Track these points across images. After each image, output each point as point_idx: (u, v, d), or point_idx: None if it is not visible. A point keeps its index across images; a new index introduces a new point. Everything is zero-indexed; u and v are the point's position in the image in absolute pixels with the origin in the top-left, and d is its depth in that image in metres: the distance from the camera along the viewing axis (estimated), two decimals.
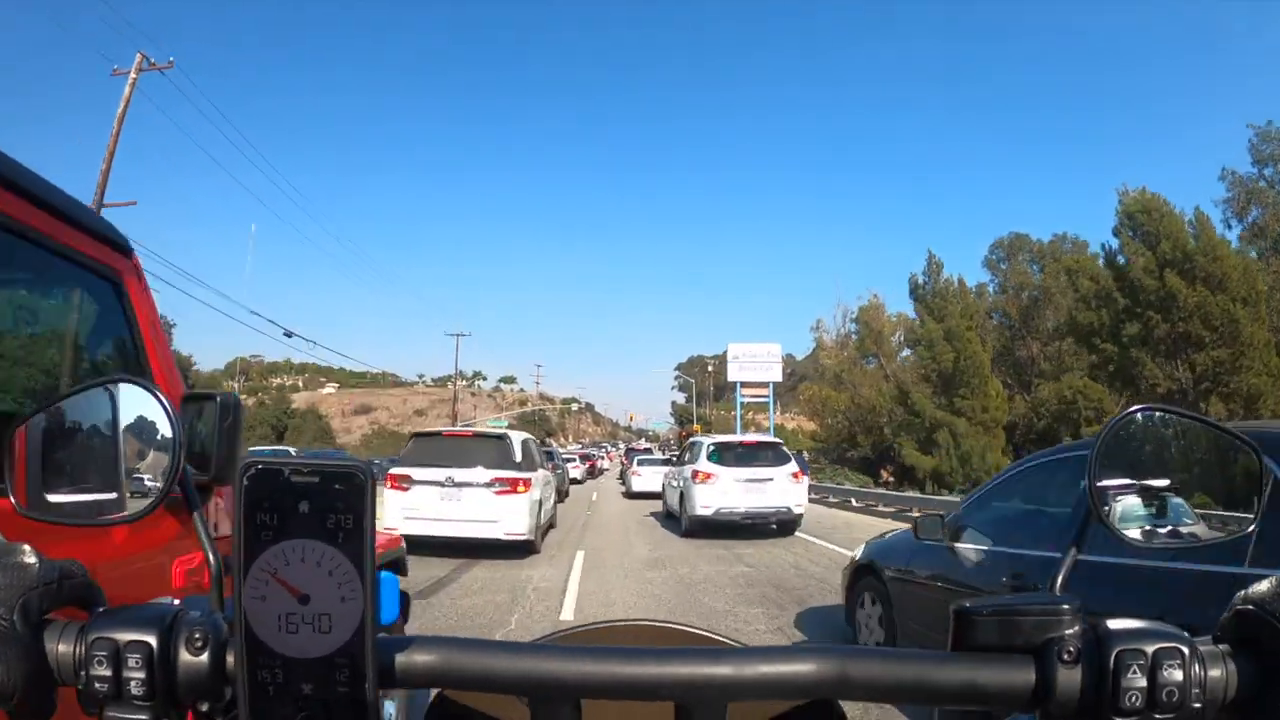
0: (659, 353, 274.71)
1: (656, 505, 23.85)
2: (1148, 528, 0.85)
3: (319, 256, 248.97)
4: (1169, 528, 0.86)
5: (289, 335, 39.21)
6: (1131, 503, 0.85)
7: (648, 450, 61.19)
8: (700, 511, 15.87)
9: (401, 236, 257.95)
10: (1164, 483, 0.86)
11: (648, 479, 29.05)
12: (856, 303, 58.56)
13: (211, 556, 0.74)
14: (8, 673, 0.61)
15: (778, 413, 72.29)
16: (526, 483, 12.36)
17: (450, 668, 0.68)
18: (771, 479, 16.05)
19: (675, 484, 18.43)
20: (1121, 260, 30.15)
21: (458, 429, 17.38)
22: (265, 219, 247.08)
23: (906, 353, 48.80)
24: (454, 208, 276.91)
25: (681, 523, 16.88)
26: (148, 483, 0.86)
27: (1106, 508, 0.81)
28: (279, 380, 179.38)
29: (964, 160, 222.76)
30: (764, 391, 73.39)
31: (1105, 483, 0.82)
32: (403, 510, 11.98)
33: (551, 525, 16.52)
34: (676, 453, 28.26)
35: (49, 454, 0.99)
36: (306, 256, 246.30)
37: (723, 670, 0.68)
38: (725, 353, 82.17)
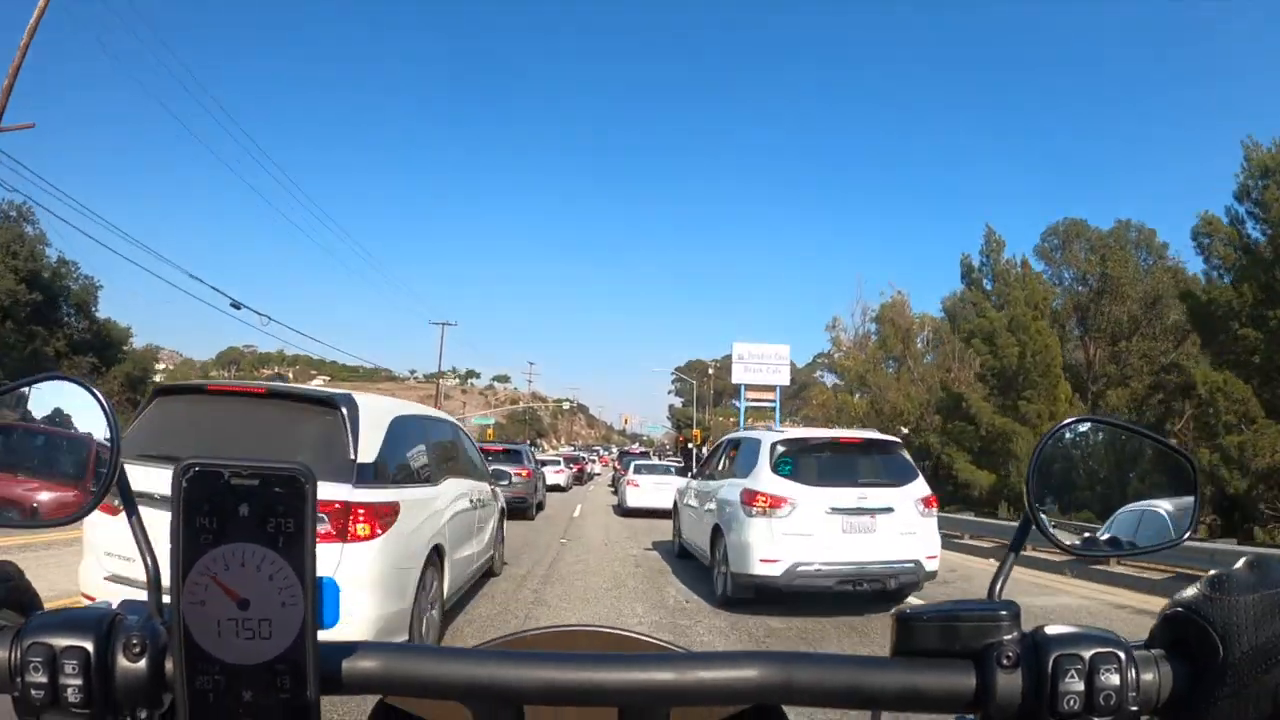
0: (656, 357, 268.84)
1: (660, 529, 17.83)
2: (1085, 535, 0.85)
3: (312, 248, 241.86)
4: (1107, 535, 0.87)
5: (236, 307, 32.79)
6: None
7: (645, 454, 54.36)
8: (763, 570, 8.26)
9: (398, 232, 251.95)
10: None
11: (649, 492, 23.10)
12: (880, 298, 52.00)
13: (148, 559, 0.69)
14: None
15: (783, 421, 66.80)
16: (374, 515, 5.07)
17: (393, 674, 0.67)
18: (891, 509, 8.49)
19: (703, 509, 10.54)
20: (1255, 230, 23.54)
21: (224, 383, 7.34)
22: (259, 210, 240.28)
23: (929, 359, 44.18)
24: (451, 204, 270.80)
25: (717, 580, 9.19)
26: (82, 484, 0.80)
27: (1043, 515, 0.79)
28: (270, 371, 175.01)
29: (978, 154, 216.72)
30: (770, 396, 67.10)
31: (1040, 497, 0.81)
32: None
33: (491, 572, 10.03)
34: (679, 457, 22.71)
35: None
36: (299, 247, 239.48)
37: (664, 675, 0.68)
38: (730, 355, 75.81)
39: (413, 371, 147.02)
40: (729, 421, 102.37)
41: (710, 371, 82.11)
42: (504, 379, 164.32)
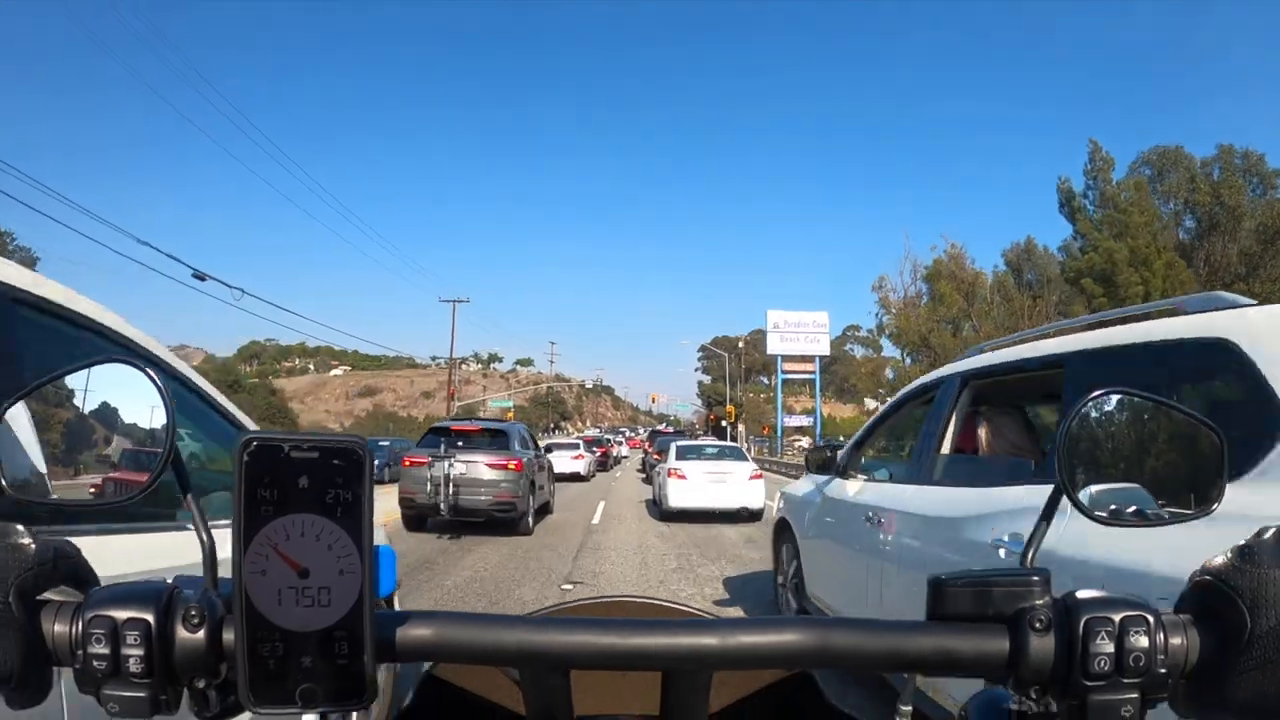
0: (683, 334, 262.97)
1: (724, 543, 12.73)
2: (1114, 506, 0.84)
3: (335, 239, 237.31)
4: (1134, 507, 0.85)
5: (200, 278, 27.25)
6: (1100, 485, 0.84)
7: (681, 434, 47.64)
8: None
9: (418, 218, 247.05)
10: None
11: (702, 487, 16.09)
12: (931, 254, 45.97)
13: (205, 535, 0.71)
14: (5, 655, 0.61)
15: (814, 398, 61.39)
16: None
17: (445, 641, 0.69)
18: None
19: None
20: None
21: None
22: (279, 204, 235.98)
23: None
24: (472, 185, 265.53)
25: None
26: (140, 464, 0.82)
27: (1075, 485, 0.79)
28: (290, 364, 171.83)
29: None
30: (809, 368, 61.42)
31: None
32: None
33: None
34: (712, 436, 18.77)
35: (37, 437, 0.94)
36: (321, 237, 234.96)
37: (708, 640, 0.69)
38: (759, 329, 70.03)
39: (434, 358, 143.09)
40: (761, 398, 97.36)
41: (741, 345, 76.26)
42: (527, 362, 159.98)
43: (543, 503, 15.42)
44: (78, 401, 0.87)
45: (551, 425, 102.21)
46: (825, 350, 60.48)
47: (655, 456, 27.76)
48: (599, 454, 37.49)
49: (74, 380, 0.83)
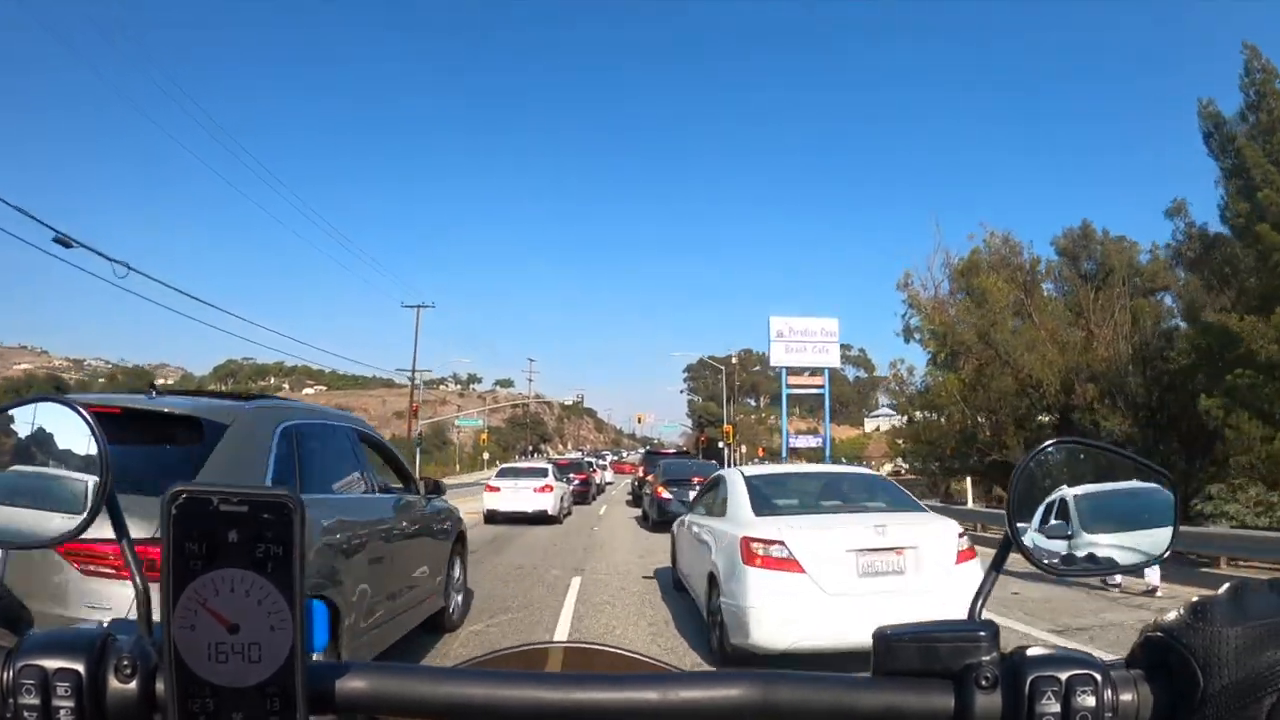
0: (667, 353, 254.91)
1: None
2: (1064, 554, 0.85)
3: (309, 250, 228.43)
4: (1086, 553, 0.86)
5: (65, 244, 19.74)
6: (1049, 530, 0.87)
7: (684, 454, 37.78)
8: None
9: (400, 236, 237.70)
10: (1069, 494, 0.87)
11: (854, 596, 6.35)
12: (970, 242, 38.21)
13: (138, 580, 0.69)
14: None
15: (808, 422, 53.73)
16: None
17: (382, 694, 0.68)
18: None
19: None
20: None
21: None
22: (254, 220, 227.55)
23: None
24: (449, 203, 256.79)
25: None
26: (68, 510, 0.79)
27: (1024, 536, 0.81)
28: (264, 383, 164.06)
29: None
30: (817, 382, 53.58)
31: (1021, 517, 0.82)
32: None
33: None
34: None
35: None
36: (297, 252, 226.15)
37: (648, 695, 0.68)
38: (764, 338, 61.17)
39: (400, 370, 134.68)
40: (752, 419, 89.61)
41: (734, 360, 68.30)
42: (507, 383, 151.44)
43: (451, 607, 7.95)
44: (12, 441, 0.82)
45: (530, 448, 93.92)
46: (835, 362, 52.88)
47: (659, 492, 20.30)
48: (576, 482, 29.17)
49: (7, 421, 0.81)
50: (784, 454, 53.31)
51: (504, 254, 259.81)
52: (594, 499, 33.73)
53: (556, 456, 43.04)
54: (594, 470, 38.56)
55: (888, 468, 46.41)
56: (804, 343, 51.43)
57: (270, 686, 0.60)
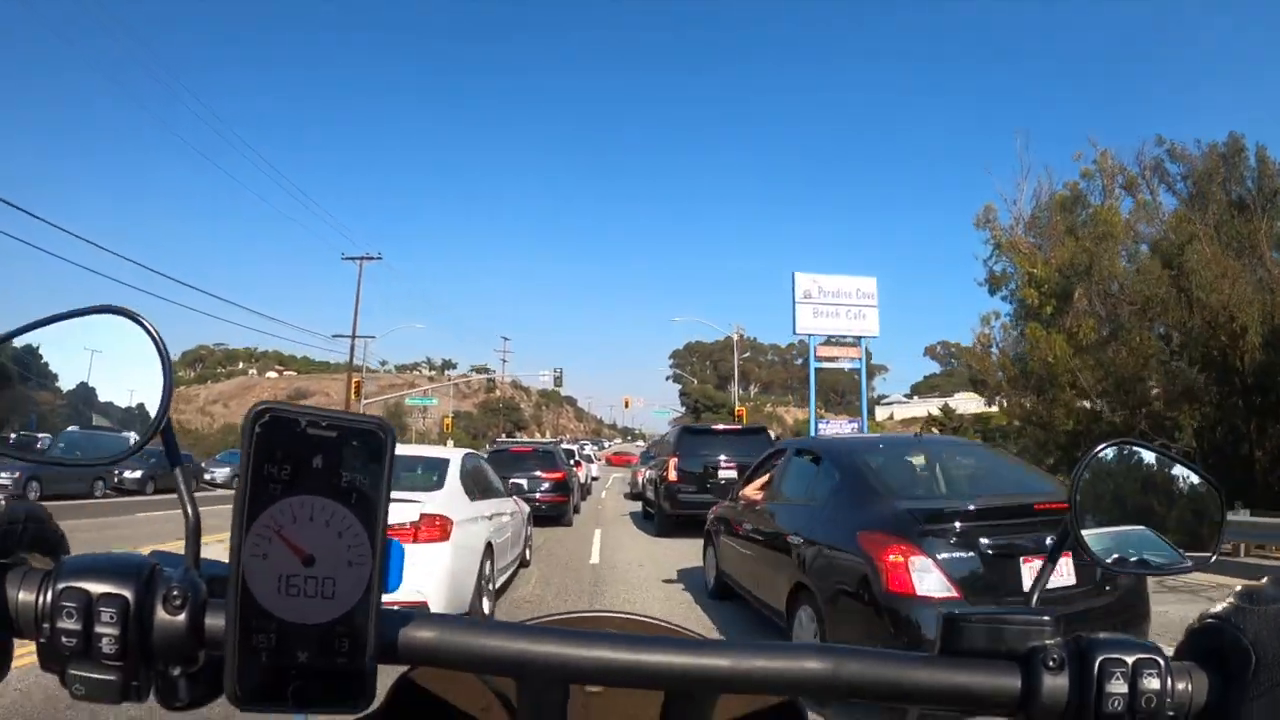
0: (651, 345, 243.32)
1: None
2: (1118, 555, 0.88)
3: (291, 230, 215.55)
4: (1137, 556, 0.89)
5: None
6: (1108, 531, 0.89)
7: (759, 434, 18.88)
8: None
9: (382, 212, 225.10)
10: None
11: None
12: (1076, 162, 28.44)
13: (190, 510, 0.66)
14: None
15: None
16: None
17: (447, 645, 0.64)
18: None
19: None
20: None
21: None
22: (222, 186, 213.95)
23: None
24: (432, 189, 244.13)
25: None
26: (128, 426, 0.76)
27: (1084, 529, 0.84)
28: (233, 368, 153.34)
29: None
30: (852, 354, 42.32)
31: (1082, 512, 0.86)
32: None
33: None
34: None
35: (15, 390, 0.81)
36: (278, 233, 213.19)
37: (720, 662, 0.67)
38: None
39: (384, 363, 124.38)
40: (748, 408, 78.47)
41: (736, 335, 57.19)
42: (483, 369, 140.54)
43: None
44: (67, 352, 0.76)
45: (504, 436, 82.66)
46: (874, 329, 41.86)
47: (670, 474, 15.59)
48: (545, 485, 16.64)
49: (68, 332, 0.75)
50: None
51: (480, 233, 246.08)
52: (577, 505, 19.99)
53: (511, 441, 29.74)
54: (578, 464, 25.46)
55: None
56: (836, 305, 40.65)
57: (340, 626, 0.56)
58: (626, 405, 70.86)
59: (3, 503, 0.58)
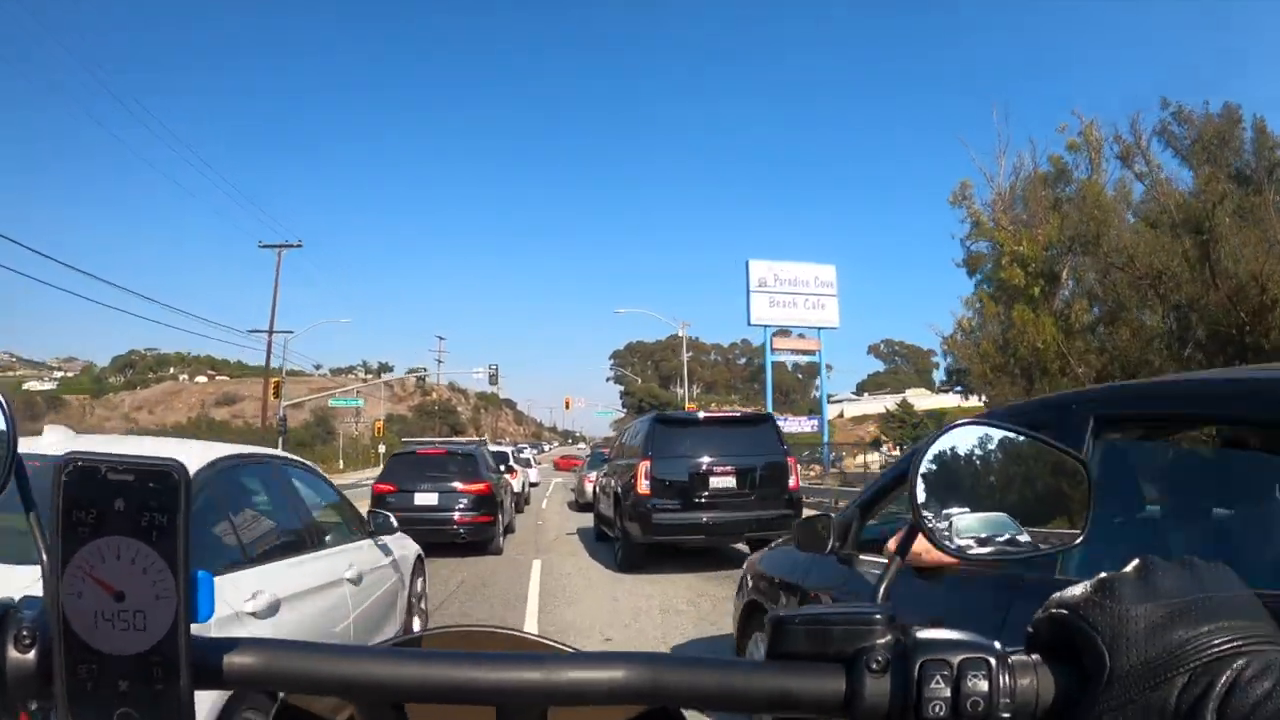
0: (592, 343, 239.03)
1: None
2: (981, 536, 0.84)
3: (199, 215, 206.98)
4: (1005, 536, 0.85)
5: None
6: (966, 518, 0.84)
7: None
8: None
9: (318, 210, 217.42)
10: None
11: None
12: (1061, 134, 25.64)
13: (44, 555, 0.66)
14: None
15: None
16: None
17: (271, 669, 0.67)
18: None
19: None
20: None
21: None
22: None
23: None
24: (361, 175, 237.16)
25: None
26: None
27: (929, 517, 0.78)
28: (163, 374, 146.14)
29: None
30: (810, 346, 38.63)
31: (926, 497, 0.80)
32: None
33: None
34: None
35: None
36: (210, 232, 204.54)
37: (534, 675, 0.68)
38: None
39: (318, 367, 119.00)
40: (693, 409, 75.34)
41: (682, 330, 54.05)
42: (420, 371, 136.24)
43: None
44: None
45: (435, 439, 78.35)
46: (834, 320, 40.02)
47: (639, 483, 10.88)
48: (470, 501, 12.49)
49: None
50: None
51: (413, 230, 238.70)
52: (510, 531, 15.13)
53: (420, 441, 22.75)
54: (509, 471, 19.06)
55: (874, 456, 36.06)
56: (793, 295, 38.61)
57: (154, 655, 0.58)
58: (567, 406, 66.47)
59: None
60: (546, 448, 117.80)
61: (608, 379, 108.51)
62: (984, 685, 0.61)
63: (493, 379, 47.42)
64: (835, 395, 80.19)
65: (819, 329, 38.54)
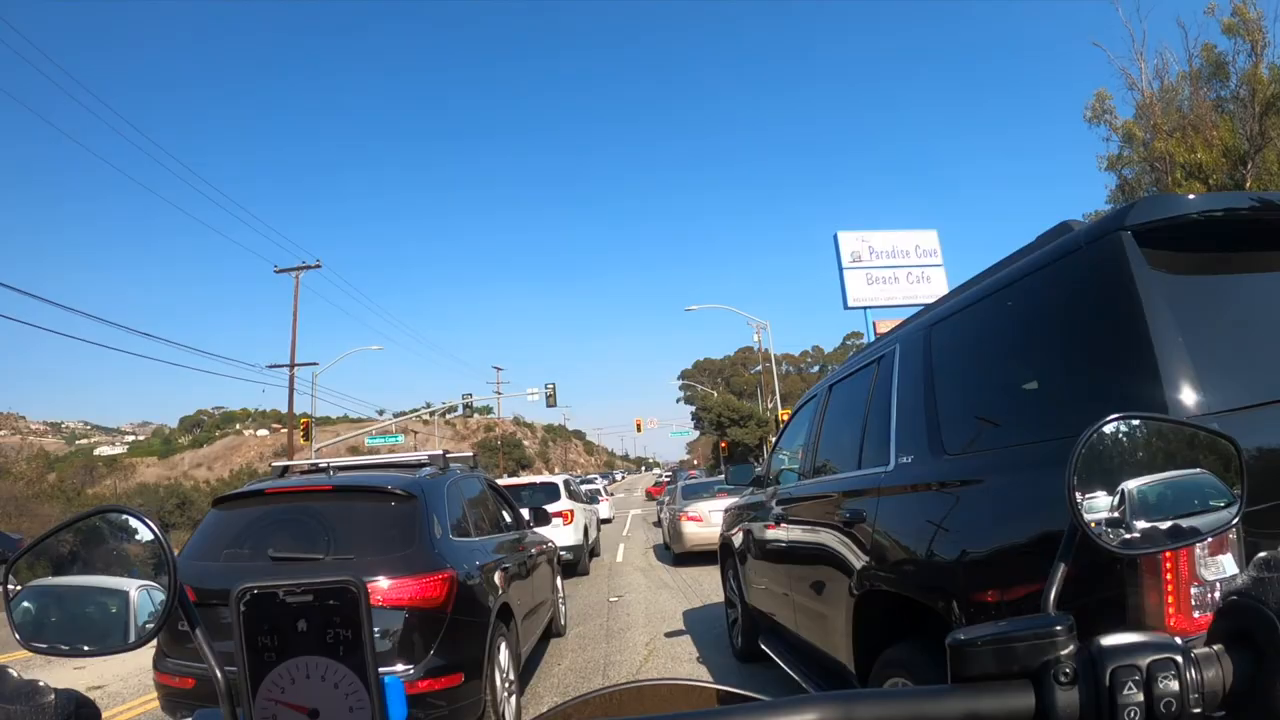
0: (660, 365, 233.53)
1: None
2: (1141, 529, 0.81)
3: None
4: (1168, 523, 0.82)
5: None
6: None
7: None
8: None
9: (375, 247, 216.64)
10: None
11: None
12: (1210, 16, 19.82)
13: (218, 673, 0.70)
14: None
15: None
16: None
17: None
18: None
19: None
20: None
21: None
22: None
23: None
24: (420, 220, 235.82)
25: None
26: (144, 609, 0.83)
27: (1087, 515, 0.78)
28: (231, 429, 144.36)
29: None
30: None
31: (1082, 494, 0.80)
32: None
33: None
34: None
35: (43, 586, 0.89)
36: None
37: None
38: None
39: (380, 411, 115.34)
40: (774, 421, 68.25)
41: (757, 335, 47.84)
42: (485, 410, 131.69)
43: None
44: (82, 550, 0.87)
45: (506, 476, 72.83)
46: (941, 293, 32.03)
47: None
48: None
49: (80, 531, 0.86)
50: None
51: (468, 264, 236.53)
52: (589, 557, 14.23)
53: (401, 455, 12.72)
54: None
55: None
56: (892, 268, 31.70)
57: None
58: (639, 428, 60.27)
59: (54, 699, 0.60)
60: (619, 476, 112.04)
61: (677, 399, 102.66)
62: (1174, 685, 0.60)
63: (549, 400, 41.66)
64: None
65: (925, 308, 31.86)
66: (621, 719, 0.67)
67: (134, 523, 0.81)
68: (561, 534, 12.88)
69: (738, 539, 6.16)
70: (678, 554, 14.83)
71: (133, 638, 0.77)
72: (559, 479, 15.56)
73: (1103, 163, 21.73)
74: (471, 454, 6.77)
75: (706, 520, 13.57)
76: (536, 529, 7.79)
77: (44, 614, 0.84)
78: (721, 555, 7.19)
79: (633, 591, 11.73)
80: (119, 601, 0.81)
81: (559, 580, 8.30)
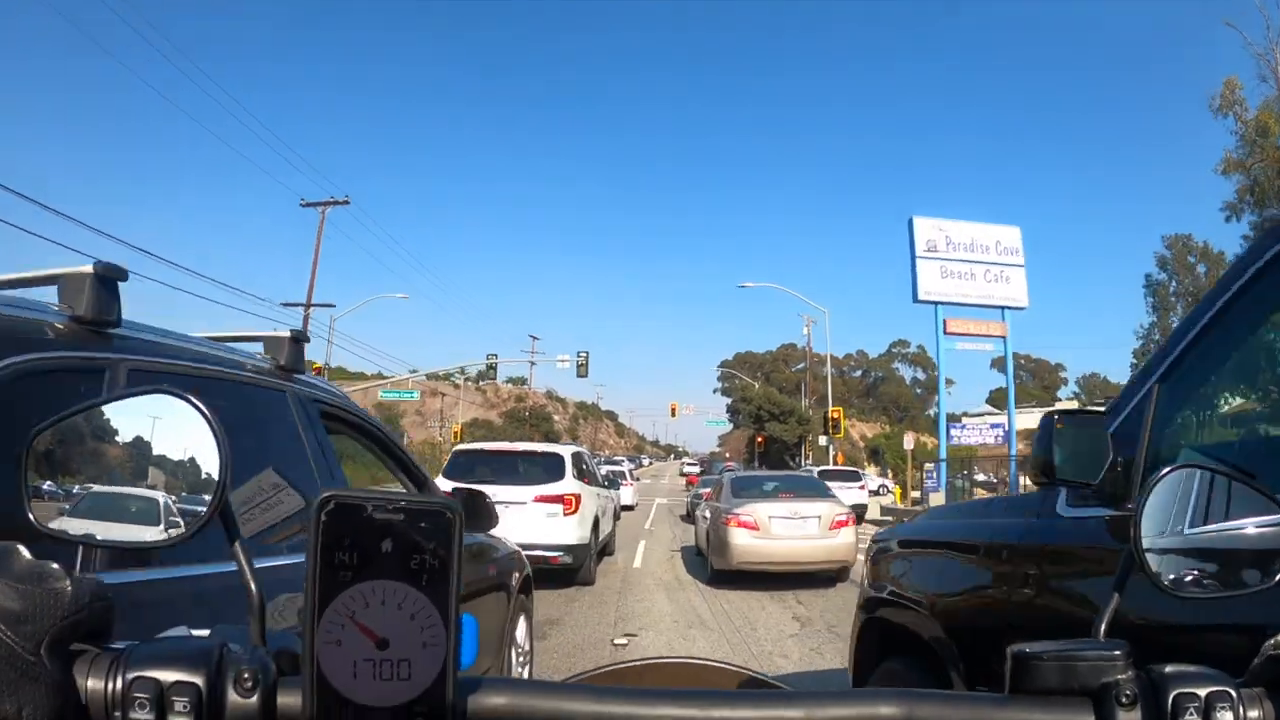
0: (702, 352, 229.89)
1: None
2: (1195, 572, 0.85)
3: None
4: (1223, 568, 0.85)
5: None
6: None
7: None
8: None
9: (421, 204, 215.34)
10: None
11: None
12: None
13: (253, 587, 0.67)
14: (34, 714, 0.55)
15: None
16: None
17: (519, 710, 0.65)
18: None
19: None
20: None
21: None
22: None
23: None
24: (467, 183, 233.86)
25: None
26: (183, 505, 0.78)
27: (1147, 555, 0.79)
28: None
29: None
30: (994, 331, 27.83)
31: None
32: None
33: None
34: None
35: (70, 468, 0.83)
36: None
37: (793, 714, 0.66)
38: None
39: (413, 371, 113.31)
40: (818, 418, 64.92)
41: (807, 327, 44.94)
42: (520, 381, 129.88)
43: None
44: (117, 434, 0.79)
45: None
46: (1022, 298, 30.66)
47: None
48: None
49: (117, 411, 0.78)
50: (942, 450, 31.18)
51: (507, 232, 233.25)
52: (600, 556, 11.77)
53: None
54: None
55: None
56: (970, 263, 28.83)
57: (419, 705, 0.57)
58: (673, 413, 57.19)
59: (69, 587, 0.56)
60: (645, 461, 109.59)
61: (714, 390, 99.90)
62: (1230, 717, 0.62)
63: (580, 369, 39.09)
64: (966, 412, 68.42)
65: (1003, 308, 28.96)
66: (693, 689, 0.63)
67: (185, 408, 0.72)
68: (558, 529, 10.26)
69: None
70: (717, 569, 11.48)
71: (168, 537, 0.74)
72: (566, 450, 11.94)
73: (1220, 165, 19.16)
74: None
75: (765, 530, 10.84)
76: (483, 534, 4.44)
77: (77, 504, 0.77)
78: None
79: (651, 629, 8.43)
80: (150, 505, 0.77)
81: (525, 627, 5.14)
